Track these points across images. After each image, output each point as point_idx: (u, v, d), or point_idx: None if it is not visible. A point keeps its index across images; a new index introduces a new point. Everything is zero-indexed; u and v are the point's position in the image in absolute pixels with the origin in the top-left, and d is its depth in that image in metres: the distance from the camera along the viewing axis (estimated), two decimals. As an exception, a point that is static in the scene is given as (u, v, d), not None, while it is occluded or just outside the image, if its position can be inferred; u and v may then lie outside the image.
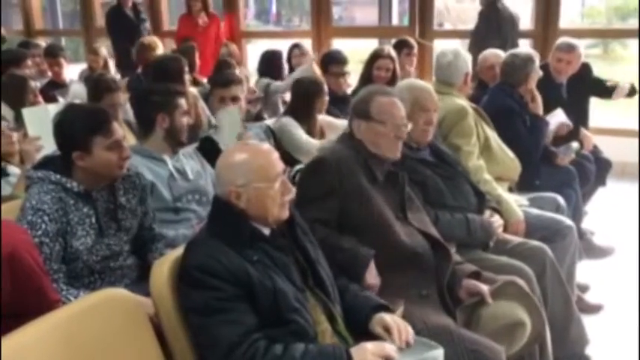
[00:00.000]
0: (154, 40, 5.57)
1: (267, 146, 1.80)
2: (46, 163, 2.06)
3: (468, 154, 2.85)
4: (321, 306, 1.73)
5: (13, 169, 2.80)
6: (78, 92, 4.18)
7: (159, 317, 1.68)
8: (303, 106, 3.44)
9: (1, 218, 1.71)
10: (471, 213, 2.52)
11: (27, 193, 1.99)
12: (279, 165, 1.73)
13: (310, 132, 3.40)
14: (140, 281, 2.11)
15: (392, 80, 4.02)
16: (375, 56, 4.12)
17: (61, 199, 1.95)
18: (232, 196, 1.68)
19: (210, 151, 2.89)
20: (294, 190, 1.76)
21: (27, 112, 2.91)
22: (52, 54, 4.81)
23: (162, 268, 1.69)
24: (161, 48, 5.45)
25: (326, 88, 3.56)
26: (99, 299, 1.58)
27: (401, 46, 4.61)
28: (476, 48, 4.16)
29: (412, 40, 4.77)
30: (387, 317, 1.75)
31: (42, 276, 1.71)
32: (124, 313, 1.59)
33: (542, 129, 3.41)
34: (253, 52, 6.97)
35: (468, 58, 3.15)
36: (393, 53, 4.19)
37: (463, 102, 3.01)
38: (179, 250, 1.75)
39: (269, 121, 3.65)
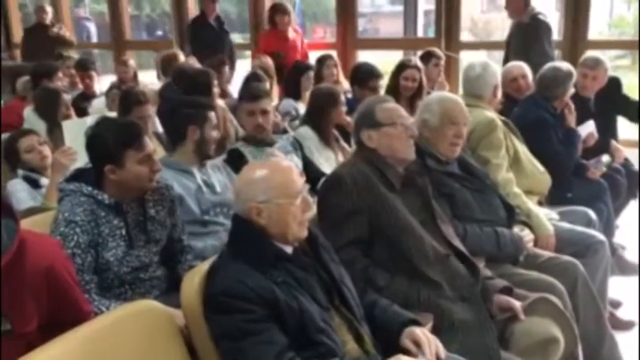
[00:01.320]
0: (176, 51, 5.72)
1: (287, 162, 1.80)
2: (79, 175, 2.09)
3: (496, 166, 2.83)
4: (347, 325, 1.72)
5: (46, 181, 2.86)
6: (99, 106, 4.27)
7: (189, 329, 1.69)
8: (318, 116, 3.45)
9: (37, 232, 1.76)
10: (501, 227, 2.50)
11: (59, 205, 2.03)
12: (300, 181, 1.73)
13: (326, 142, 3.42)
14: (169, 293, 2.13)
15: (418, 90, 4.03)
16: (402, 66, 4.12)
17: (93, 211, 1.98)
18: (253, 212, 1.67)
19: (238, 163, 2.92)
20: (314, 207, 1.76)
21: (67, 125, 2.97)
22: (84, 67, 4.92)
23: (193, 280, 1.70)
24: (182, 58, 5.55)
25: (343, 98, 3.57)
26: (131, 311, 1.60)
27: (428, 57, 4.60)
28: (515, 60, 4.08)
29: (439, 52, 4.75)
30: (417, 331, 1.73)
31: (75, 288, 1.74)
32: (156, 324, 1.60)
33: (576, 142, 3.38)
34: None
35: (496, 70, 3.13)
36: (420, 64, 4.19)
37: (492, 114, 2.99)
38: (209, 263, 1.76)
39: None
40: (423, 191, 2.25)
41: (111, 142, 2.00)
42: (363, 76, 4.08)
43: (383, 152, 2.20)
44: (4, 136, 3.58)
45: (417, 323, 1.80)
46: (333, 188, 2.11)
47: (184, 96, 2.91)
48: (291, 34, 5.83)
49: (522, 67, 3.74)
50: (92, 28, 10.09)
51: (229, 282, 1.59)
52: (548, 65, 3.50)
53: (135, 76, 5.65)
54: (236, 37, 17.86)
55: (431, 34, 7.41)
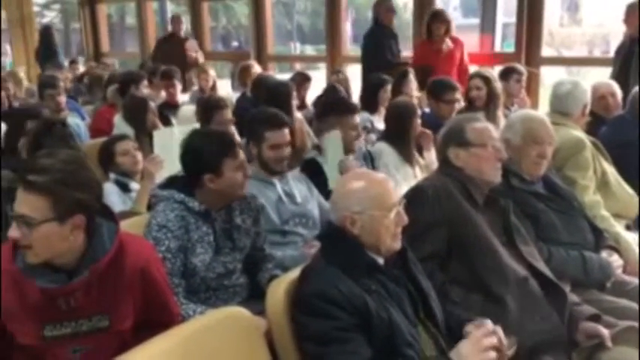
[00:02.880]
0: (252, 63, 5.86)
1: (383, 175, 1.82)
2: (171, 182, 2.18)
3: (583, 188, 2.74)
4: (433, 341, 1.72)
5: (135, 186, 3.00)
6: (187, 114, 4.42)
7: (273, 338, 1.73)
8: (397, 131, 3.41)
9: (133, 234, 1.85)
10: (588, 251, 2.41)
11: (153, 210, 2.12)
12: (395, 195, 1.75)
13: (406, 158, 3.36)
14: (249, 300, 2.18)
15: (489, 99, 3.98)
16: (469, 78, 4.15)
17: (184, 217, 2.06)
18: (347, 221, 1.70)
19: (314, 173, 2.95)
20: (406, 219, 1.76)
21: (157, 134, 3.10)
22: (168, 76, 5.12)
23: (279, 289, 1.74)
24: (257, 70, 5.68)
25: (419, 111, 3.55)
26: (221, 316, 1.66)
27: (510, 72, 4.50)
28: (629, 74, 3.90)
29: (521, 67, 4.65)
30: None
31: (167, 290, 1.82)
32: (243, 331, 1.65)
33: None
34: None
35: (587, 88, 3.03)
36: (487, 73, 4.14)
37: (580, 134, 2.90)
38: (294, 273, 1.80)
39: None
40: (505, 212, 2.20)
41: (210, 153, 2.08)
42: (440, 90, 4.06)
43: (469, 172, 2.18)
44: (97, 141, 3.80)
45: None
46: (415, 200, 2.09)
47: (262, 108, 2.96)
48: (446, 46, 5.35)
49: (611, 85, 3.60)
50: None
51: (323, 285, 1.62)
52: None
53: (214, 85, 5.84)
54: (308, 49, 18.21)
55: (507, 48, 7.25)
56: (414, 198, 2.10)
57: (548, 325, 2.02)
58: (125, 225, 2.17)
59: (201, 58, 7.00)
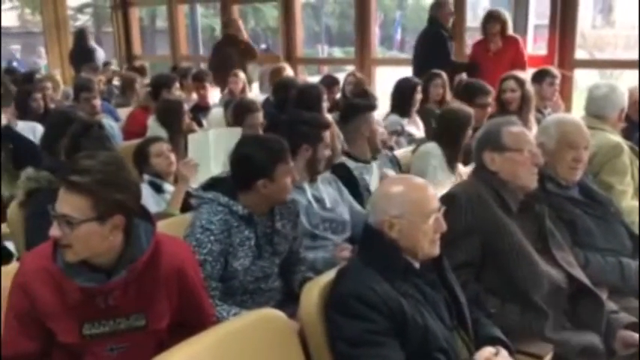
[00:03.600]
0: (283, 65, 5.89)
1: (424, 181, 1.82)
2: (214, 184, 2.20)
3: (621, 193, 2.69)
4: (466, 348, 1.71)
5: (169, 187, 3.04)
6: (217, 116, 4.46)
7: (306, 339, 1.74)
8: (450, 134, 3.36)
9: (170, 235, 1.88)
10: (625, 257, 2.37)
11: (196, 212, 2.14)
12: (435, 201, 1.74)
13: (452, 164, 3.33)
14: (283, 303, 2.19)
15: (522, 102, 3.92)
16: (501, 80, 4.05)
17: (227, 221, 2.07)
18: (385, 225, 1.70)
19: (344, 177, 2.95)
20: (444, 226, 1.75)
21: (192, 137, 3.13)
22: (200, 78, 5.18)
23: (312, 292, 1.75)
24: (289, 72, 5.70)
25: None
26: (257, 318, 1.67)
27: (543, 75, 4.43)
28: None
29: (555, 70, 4.58)
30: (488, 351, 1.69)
31: (202, 291, 1.84)
32: (278, 333, 1.66)
33: None
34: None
35: (624, 92, 2.98)
36: (518, 74, 4.09)
37: (617, 138, 2.84)
38: (328, 275, 1.80)
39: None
40: (540, 217, 2.18)
41: (264, 158, 2.09)
42: (471, 93, 4.01)
43: (504, 177, 2.16)
44: (131, 143, 3.87)
45: (505, 345, 1.76)
46: (447, 206, 2.07)
47: (303, 112, 2.97)
48: (495, 45, 5.22)
49: (646, 89, 3.52)
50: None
51: (359, 286, 1.62)
52: None
53: (244, 87, 5.89)
54: (336, 52, 18.19)
55: (538, 50, 7.13)
56: (447, 204, 2.08)
57: (584, 333, 1.99)
58: (161, 226, 2.21)
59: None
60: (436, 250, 1.74)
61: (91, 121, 2.73)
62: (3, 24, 14.79)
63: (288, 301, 2.19)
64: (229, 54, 6.52)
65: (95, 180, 1.55)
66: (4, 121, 3.69)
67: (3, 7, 16.09)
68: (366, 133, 3.08)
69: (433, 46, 5.43)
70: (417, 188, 1.74)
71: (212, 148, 3.36)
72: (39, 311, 1.61)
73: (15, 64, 10.05)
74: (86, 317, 1.63)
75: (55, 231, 1.57)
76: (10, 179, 3.01)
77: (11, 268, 1.80)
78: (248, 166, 2.10)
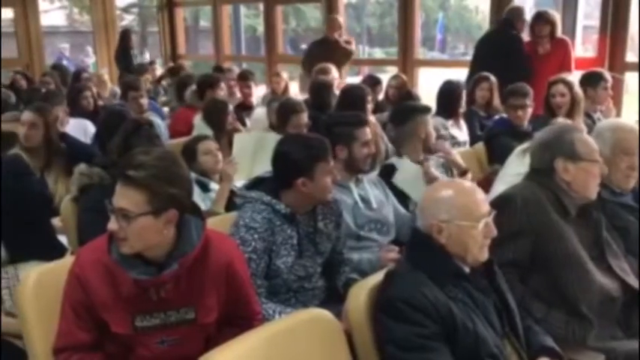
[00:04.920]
0: (328, 66, 5.89)
1: (473, 185, 1.80)
2: (257, 183, 2.23)
3: (676, 201, 2.59)
4: (517, 355, 1.69)
5: (214, 186, 3.08)
6: (260, 116, 4.50)
7: (353, 340, 1.74)
8: None
9: (219, 232, 1.91)
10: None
11: (240, 210, 2.17)
12: (485, 206, 1.72)
13: None
14: (327, 303, 2.19)
15: (573, 107, 3.83)
16: (550, 83, 3.97)
17: (270, 219, 2.10)
18: (434, 229, 1.69)
19: (391, 177, 2.93)
20: (495, 231, 1.73)
21: (237, 138, 3.18)
22: (244, 78, 5.24)
23: (360, 294, 1.75)
24: (334, 73, 5.69)
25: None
26: (305, 317, 1.68)
27: (597, 79, 4.29)
28: None
29: (607, 74, 4.45)
30: None
31: (249, 288, 1.87)
32: (327, 333, 1.66)
33: None
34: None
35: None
36: (570, 79, 3.99)
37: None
38: (376, 277, 1.80)
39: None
40: (597, 224, 2.12)
41: (304, 157, 2.11)
42: (507, 94, 3.96)
43: (574, 186, 2.09)
44: (177, 141, 3.94)
45: (557, 355, 1.74)
46: (502, 207, 2.03)
47: (337, 112, 2.97)
48: (542, 48, 5.09)
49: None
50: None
51: (408, 289, 1.61)
52: None
53: (286, 87, 5.92)
54: (377, 52, 18.05)
55: (586, 52, 6.95)
56: (502, 206, 2.04)
57: (636, 343, 1.94)
58: (209, 223, 2.25)
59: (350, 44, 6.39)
60: (485, 255, 1.71)
61: (142, 120, 2.79)
62: (52, 23, 15.26)
63: (332, 300, 2.20)
64: (324, 53, 6.08)
65: (150, 175, 1.60)
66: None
67: (52, 6, 16.62)
68: (421, 135, 3.05)
69: (508, 49, 5.16)
70: (466, 192, 1.72)
71: (255, 150, 3.39)
72: (94, 302, 1.66)
73: (65, 62, 10.34)
74: (138, 309, 1.67)
75: (112, 224, 1.61)
76: (64, 177, 3.11)
77: (67, 261, 1.86)
78: (288, 165, 2.13)
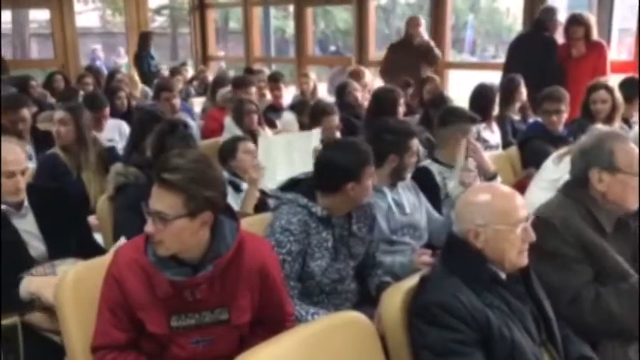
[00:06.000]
0: (361, 68, 5.88)
1: (511, 190, 1.77)
2: (293, 185, 2.24)
3: None
4: None
5: (246, 186, 3.09)
6: (289, 121, 4.51)
7: (387, 344, 1.73)
8: None
9: (253, 233, 1.92)
10: None
11: (276, 212, 2.18)
12: (523, 211, 1.69)
13: None
14: (359, 305, 2.19)
15: (612, 113, 3.76)
16: (591, 88, 3.88)
17: (306, 222, 2.10)
18: (471, 234, 1.68)
19: (425, 181, 2.91)
20: (534, 236, 1.70)
21: (262, 140, 3.19)
22: (275, 80, 5.27)
23: (394, 298, 1.75)
24: (367, 75, 5.69)
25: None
26: (340, 320, 1.68)
27: (632, 83, 4.20)
28: None
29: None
30: None
31: (282, 289, 1.87)
32: (361, 335, 1.66)
33: None
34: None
35: None
36: (609, 84, 3.91)
37: None
38: (410, 281, 1.79)
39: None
40: (635, 236, 2.06)
41: (354, 162, 2.12)
42: (543, 99, 3.89)
43: (610, 198, 2.01)
44: (210, 141, 3.98)
45: None
46: (545, 232, 1.93)
47: (389, 119, 2.95)
48: (576, 51, 4.96)
49: None
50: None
51: (444, 295, 1.60)
52: None
53: (315, 89, 5.93)
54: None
55: (620, 55, 6.81)
56: (543, 229, 1.93)
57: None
58: (243, 224, 2.26)
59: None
60: (524, 261, 1.69)
61: (177, 121, 2.82)
62: (86, 24, 15.55)
63: (364, 303, 2.20)
64: (405, 55, 5.80)
65: (186, 177, 1.61)
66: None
67: (85, 7, 16.94)
68: (459, 142, 3.01)
69: (541, 52, 5.08)
70: (504, 197, 1.70)
71: (283, 151, 3.39)
72: (130, 303, 1.68)
73: (98, 62, 10.53)
74: (174, 310, 1.69)
75: (149, 227, 1.64)
76: (99, 176, 3.17)
77: (104, 259, 1.89)
78: (337, 170, 2.12)
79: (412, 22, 6.01)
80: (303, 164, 3.12)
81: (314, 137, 3.44)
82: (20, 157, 2.33)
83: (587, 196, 2.03)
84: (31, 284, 2.15)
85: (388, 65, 5.98)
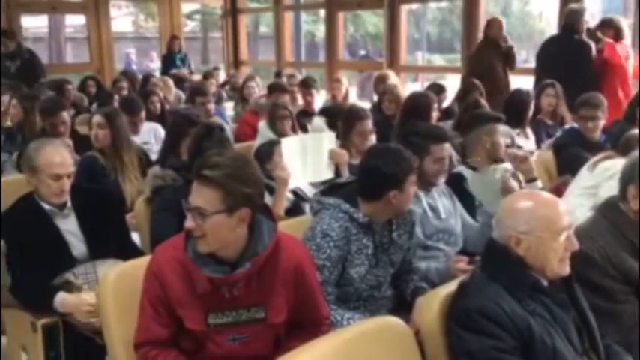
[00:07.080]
0: (388, 72, 5.88)
1: (553, 197, 1.76)
2: (333, 189, 2.24)
3: None
4: None
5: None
6: (318, 126, 4.52)
7: (425, 350, 1.72)
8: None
9: (289, 234, 1.93)
10: None
11: (317, 216, 2.18)
12: (566, 218, 1.68)
13: None
14: (394, 311, 2.18)
15: None
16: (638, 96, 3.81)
17: (347, 228, 2.10)
18: (512, 241, 1.66)
19: (459, 186, 2.89)
20: (576, 244, 1.68)
21: (285, 142, 3.20)
22: (307, 84, 5.30)
23: (433, 303, 1.74)
24: (393, 79, 5.67)
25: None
26: (378, 325, 1.68)
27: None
28: None
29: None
30: None
31: (318, 291, 1.88)
32: (400, 341, 1.66)
33: None
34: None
35: None
36: None
37: None
38: (448, 287, 1.79)
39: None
40: None
41: (398, 170, 2.11)
42: (580, 105, 3.82)
43: None
44: (243, 145, 4.02)
45: None
46: (585, 267, 1.88)
47: (419, 122, 2.94)
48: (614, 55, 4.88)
49: None
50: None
51: (485, 301, 1.59)
52: None
53: (347, 94, 5.95)
54: (437, 59, 17.82)
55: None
56: (583, 264, 1.87)
57: None
58: (279, 227, 2.28)
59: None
60: (566, 269, 1.67)
61: (213, 124, 2.86)
62: (120, 29, 15.84)
63: (400, 309, 2.19)
64: (489, 59, 5.58)
65: (225, 174, 1.65)
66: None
67: (119, 12, 17.26)
68: (486, 145, 2.99)
69: (573, 55, 4.94)
70: (547, 204, 1.68)
71: (308, 152, 3.39)
72: (170, 298, 1.71)
73: (134, 66, 10.71)
74: (211, 307, 1.72)
75: (189, 223, 1.67)
76: (135, 179, 3.23)
77: (143, 260, 1.92)
78: (381, 177, 2.11)
79: (496, 25, 5.72)
80: (315, 166, 3.13)
81: (327, 140, 3.41)
82: (67, 160, 2.39)
83: (622, 217, 1.97)
84: (65, 304, 2.21)
85: (472, 67, 5.74)
